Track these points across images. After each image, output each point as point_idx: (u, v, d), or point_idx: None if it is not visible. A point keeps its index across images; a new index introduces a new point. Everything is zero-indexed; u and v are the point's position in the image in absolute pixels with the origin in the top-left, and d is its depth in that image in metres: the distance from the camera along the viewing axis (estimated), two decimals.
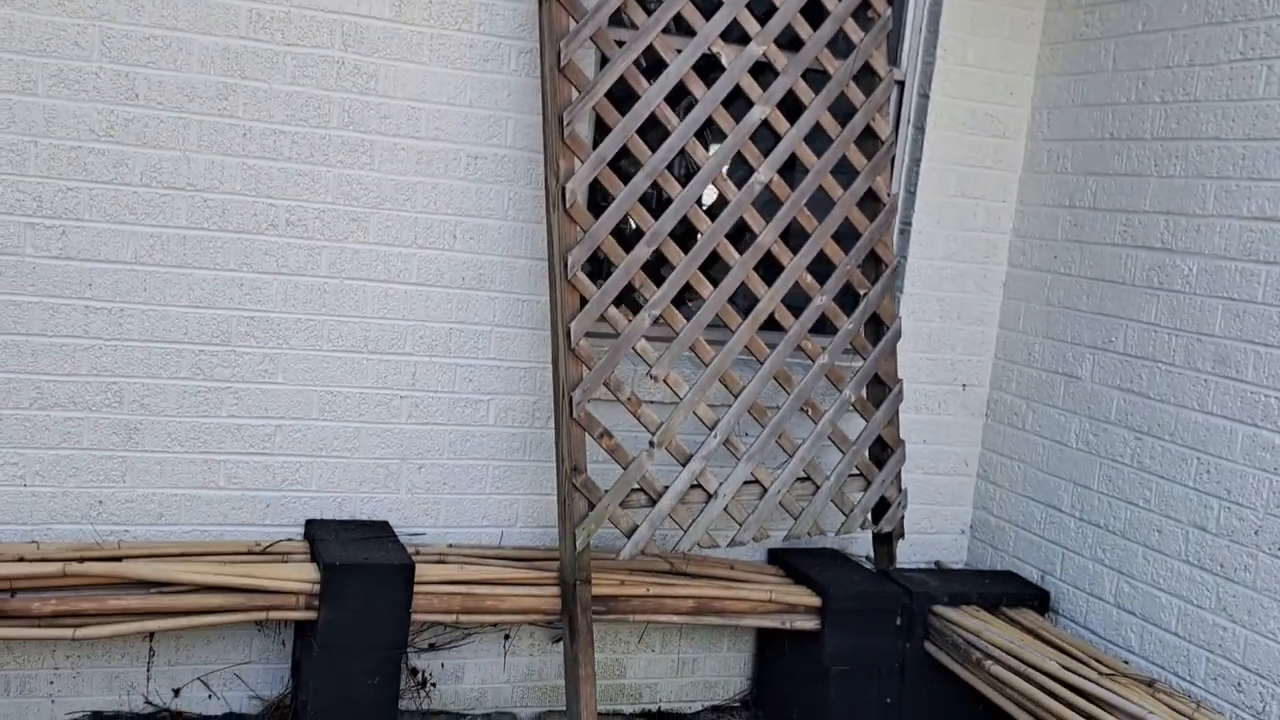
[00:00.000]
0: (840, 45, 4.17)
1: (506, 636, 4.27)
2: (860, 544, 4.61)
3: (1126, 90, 4.14)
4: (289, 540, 3.95)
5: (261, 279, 3.85)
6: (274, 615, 3.66)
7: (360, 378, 4.01)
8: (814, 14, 4.10)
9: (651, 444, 3.88)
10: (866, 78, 4.22)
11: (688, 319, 3.94)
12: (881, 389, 4.32)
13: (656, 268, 4.07)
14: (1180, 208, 3.89)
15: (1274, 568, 3.48)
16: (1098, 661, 3.84)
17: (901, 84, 4.53)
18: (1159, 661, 3.85)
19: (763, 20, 4.02)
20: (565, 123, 3.74)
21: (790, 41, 4.09)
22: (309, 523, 3.99)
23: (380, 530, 4.00)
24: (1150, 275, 3.99)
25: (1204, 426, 3.75)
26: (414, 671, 4.14)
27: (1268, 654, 3.48)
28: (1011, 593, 4.32)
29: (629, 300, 4.02)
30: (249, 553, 3.83)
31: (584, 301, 3.80)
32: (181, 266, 3.76)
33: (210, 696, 3.97)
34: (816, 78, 4.14)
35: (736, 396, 4.02)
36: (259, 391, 3.90)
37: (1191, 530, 3.77)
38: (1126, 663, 3.92)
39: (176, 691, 3.94)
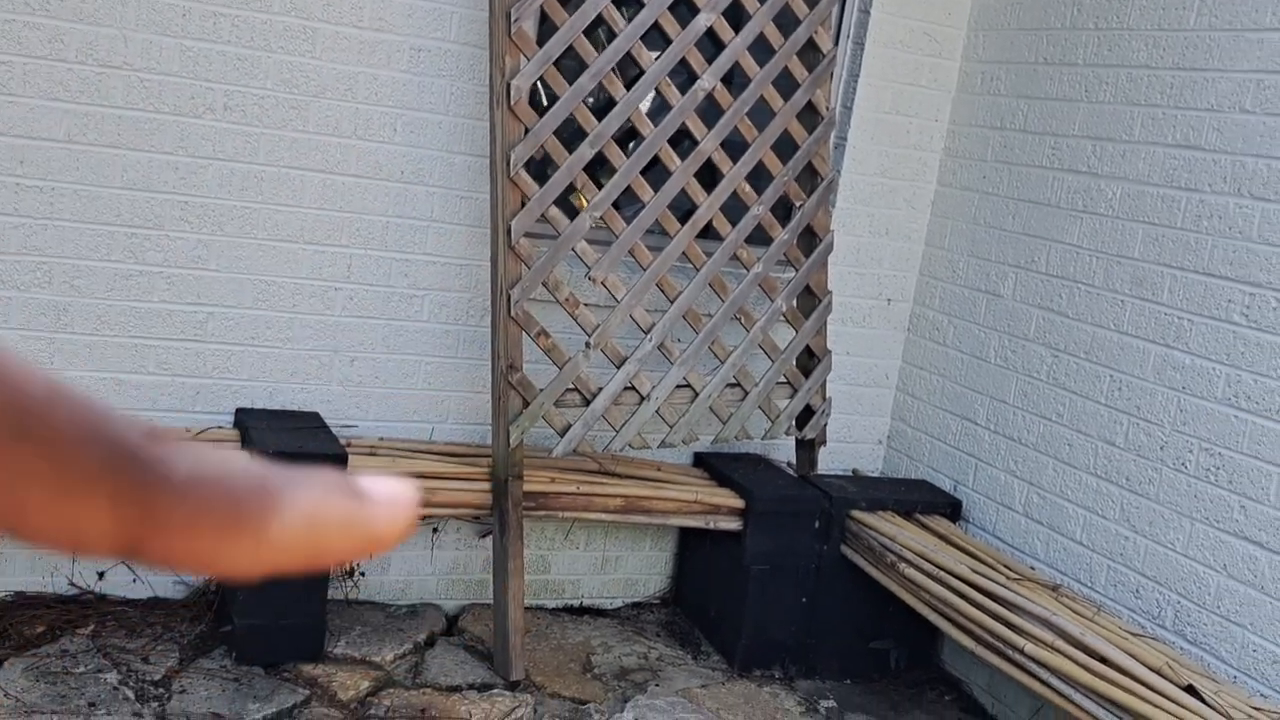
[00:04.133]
0: None
1: (435, 530, 4.33)
2: (782, 450, 4.74)
3: (1061, 15, 4.23)
4: (219, 428, 3.94)
5: (197, 163, 3.79)
6: None
7: (295, 268, 3.98)
8: None
9: (588, 345, 3.94)
10: None
11: (628, 223, 3.98)
12: (812, 300, 4.41)
13: (597, 170, 4.09)
14: (1107, 133, 4.02)
15: (1176, 481, 3.67)
16: (1005, 567, 4.03)
17: None
18: (1063, 569, 4.05)
19: None
20: (512, 19, 3.71)
21: None
22: (239, 411, 3.99)
23: (312, 421, 4.01)
24: (1075, 198, 4.12)
25: (1118, 345, 3.91)
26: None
27: (1165, 562, 3.69)
28: (925, 500, 4.50)
29: (569, 200, 4.03)
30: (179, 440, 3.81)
31: (525, 200, 3.81)
32: (115, 147, 3.68)
33: (135, 580, 3.98)
34: None
35: (672, 302, 4.08)
36: (192, 278, 3.86)
37: (1101, 445, 3.95)
38: (1033, 569, 4.12)
39: (101, 575, 3.94)
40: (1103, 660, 3.35)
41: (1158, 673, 3.27)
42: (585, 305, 3.98)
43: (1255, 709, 3.15)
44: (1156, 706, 3.13)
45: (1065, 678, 3.37)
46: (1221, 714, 3.07)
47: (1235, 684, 3.39)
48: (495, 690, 3.83)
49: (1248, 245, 3.51)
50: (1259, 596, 3.38)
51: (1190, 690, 3.19)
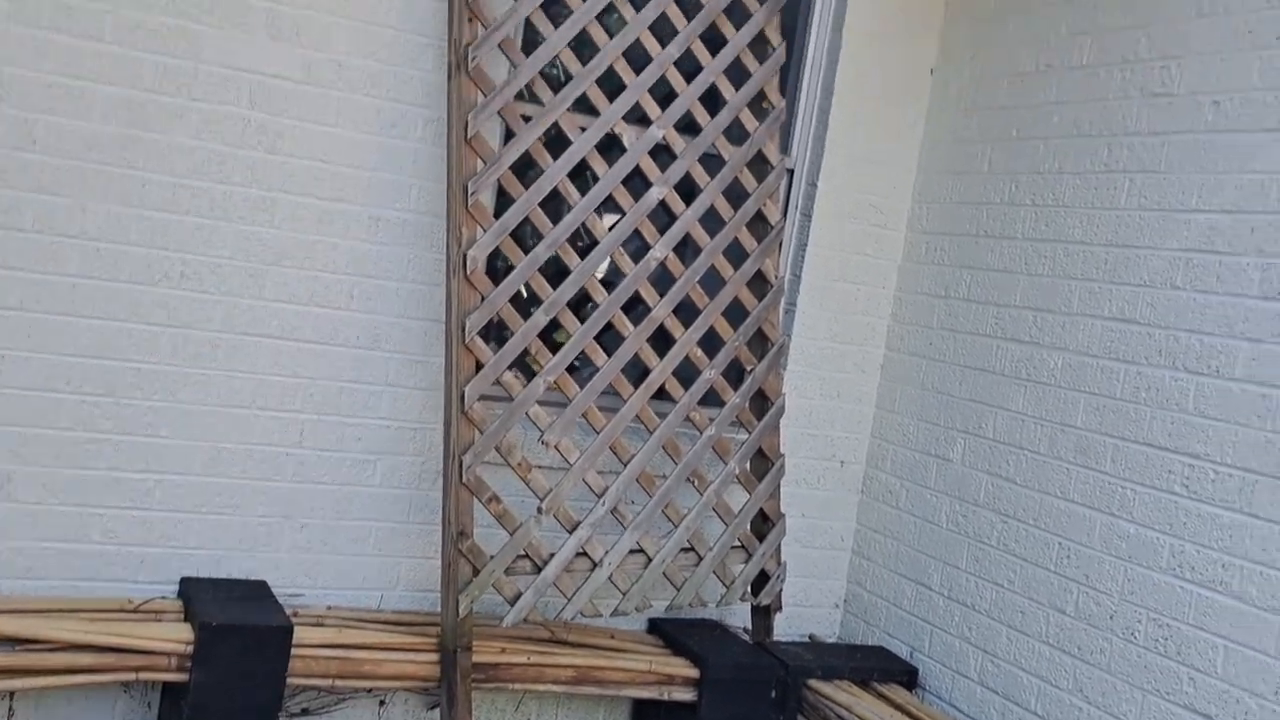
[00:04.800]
0: (736, 133, 4.34)
1: (381, 703, 4.22)
2: (738, 615, 4.70)
3: (1000, 191, 4.39)
4: (163, 598, 3.86)
5: (152, 330, 3.80)
6: (144, 676, 3.57)
7: (247, 434, 3.97)
8: (712, 102, 4.27)
9: (540, 510, 3.92)
10: (759, 165, 4.39)
11: (581, 387, 4.02)
12: (765, 463, 4.44)
13: (553, 335, 4.14)
14: (1047, 305, 4.13)
15: (1127, 652, 3.68)
16: None
17: (792, 172, 4.72)
18: None
19: (664, 105, 4.16)
20: (470, 192, 3.81)
21: (689, 126, 4.24)
22: (185, 580, 3.91)
23: (258, 590, 3.94)
24: (1019, 367, 4.22)
25: (1065, 513, 3.96)
26: None
27: None
28: (882, 668, 4.46)
29: (525, 366, 4.07)
30: (121, 610, 3.73)
31: (479, 366, 3.85)
32: (68, 315, 3.69)
33: None
34: (712, 162, 4.29)
35: (626, 465, 4.09)
36: (141, 444, 3.83)
37: (1052, 612, 3.96)
38: None
39: None
40: None
41: None
42: (538, 469, 3.98)
43: None
44: None
45: None
46: None
47: None
48: None
49: (1185, 417, 3.59)
50: None
51: None
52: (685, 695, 4.22)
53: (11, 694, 3.69)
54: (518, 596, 3.89)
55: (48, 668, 3.44)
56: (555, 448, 3.97)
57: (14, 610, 3.55)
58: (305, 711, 4.08)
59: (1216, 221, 3.59)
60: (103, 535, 3.81)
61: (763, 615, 4.52)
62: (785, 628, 4.76)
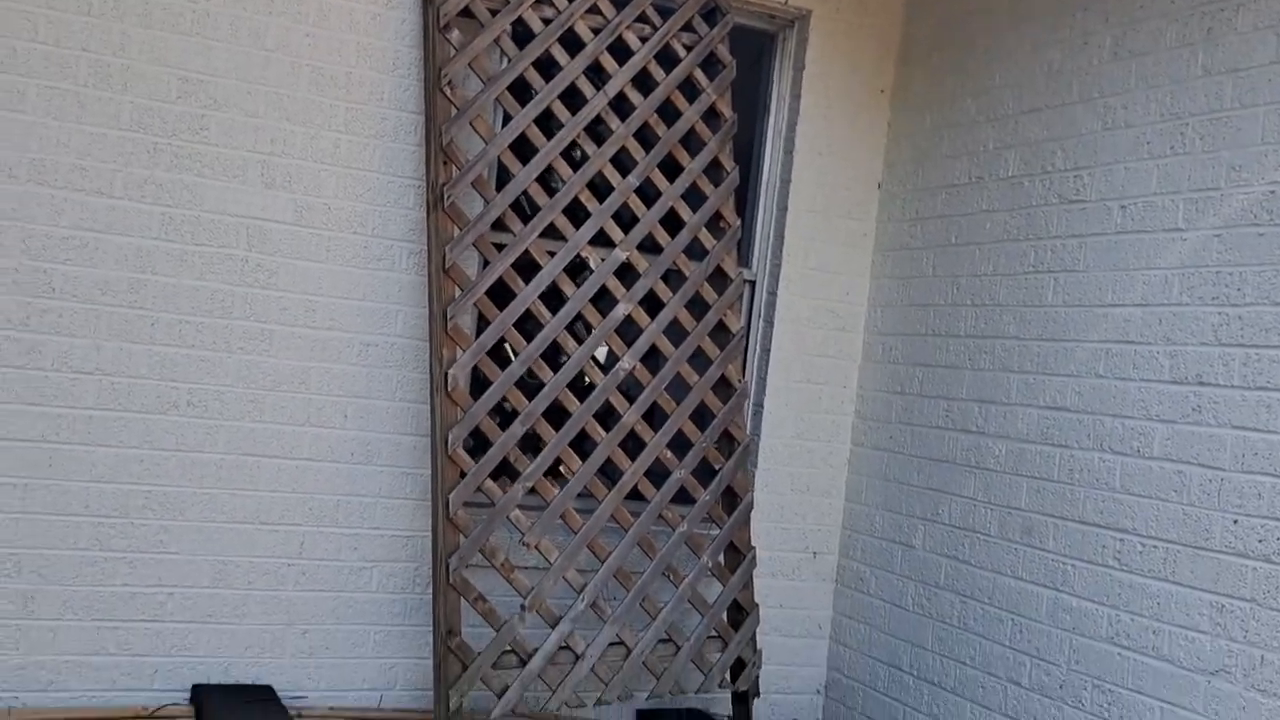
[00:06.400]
0: (695, 250, 4.71)
1: None
2: (721, 704, 4.92)
3: (944, 293, 4.74)
4: (175, 705, 4.14)
5: (161, 455, 4.14)
6: None
7: (251, 547, 4.28)
8: (672, 224, 4.65)
9: (523, 607, 4.21)
10: (719, 279, 4.76)
11: (559, 490, 4.33)
12: (737, 556, 4.72)
13: (531, 443, 4.46)
14: (990, 396, 4.45)
15: (1077, 719, 3.91)
16: None
17: (753, 283, 5.09)
18: None
19: (626, 228, 4.54)
20: (449, 316, 4.17)
21: (651, 247, 4.61)
22: (196, 687, 4.19)
23: (264, 694, 4.21)
24: (968, 455, 4.51)
25: (1016, 591, 4.22)
26: None
27: None
28: None
29: (505, 472, 4.39)
30: (137, 717, 4.01)
31: (463, 474, 4.17)
32: (85, 444, 4.04)
33: None
34: (674, 278, 4.66)
35: (603, 562, 4.38)
36: (153, 561, 4.15)
37: (1009, 685, 4.19)
38: None
39: None
40: None
41: None
42: (520, 569, 4.27)
43: None
44: None
45: None
46: None
47: None
48: None
49: (1113, 495, 3.88)
50: None
51: None
52: None
53: None
54: (505, 690, 4.15)
55: None
56: (536, 548, 4.27)
57: None
58: None
59: (1130, 314, 3.92)
60: (118, 647, 4.10)
61: (742, 701, 4.75)
62: (769, 714, 4.99)
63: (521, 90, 4.44)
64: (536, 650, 4.23)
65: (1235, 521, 3.48)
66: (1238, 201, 3.60)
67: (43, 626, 4.01)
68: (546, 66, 4.46)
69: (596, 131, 4.52)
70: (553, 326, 4.37)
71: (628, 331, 4.56)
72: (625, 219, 4.56)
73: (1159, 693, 3.63)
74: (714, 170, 4.78)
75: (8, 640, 3.97)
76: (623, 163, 4.55)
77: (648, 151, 4.60)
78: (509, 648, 4.18)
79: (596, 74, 4.52)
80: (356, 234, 4.36)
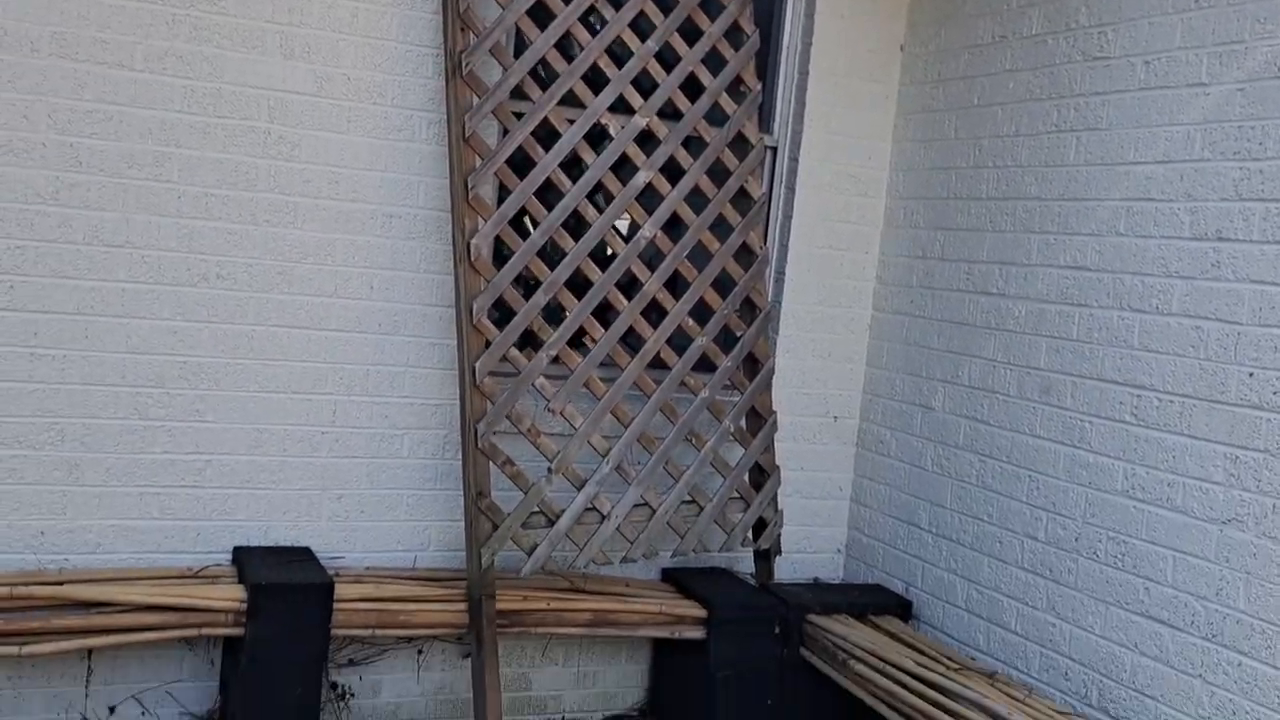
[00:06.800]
0: (716, 116, 4.69)
1: (420, 652, 4.65)
2: (746, 563, 5.07)
3: (966, 156, 4.72)
4: (218, 565, 4.31)
5: (193, 327, 4.24)
6: (205, 632, 4.01)
7: (285, 416, 4.39)
8: (692, 89, 4.63)
9: (550, 471, 4.32)
10: (740, 144, 4.75)
11: (582, 358, 4.41)
12: (758, 420, 4.81)
13: (554, 313, 4.53)
14: (1011, 258, 4.46)
15: (1091, 570, 4.01)
16: (948, 659, 4.33)
17: (774, 149, 5.07)
18: (1002, 657, 4.36)
19: (646, 94, 4.53)
20: (470, 187, 4.20)
21: (671, 113, 4.60)
22: (236, 549, 4.36)
23: (303, 555, 4.37)
24: (988, 317, 4.55)
25: (1034, 448, 4.29)
26: (334, 685, 4.50)
27: (1088, 645, 4.00)
28: (878, 603, 4.82)
29: (529, 342, 4.47)
30: (181, 576, 4.18)
31: (488, 343, 4.25)
32: (120, 316, 4.14)
33: (144, 714, 4.29)
34: (695, 145, 4.66)
35: (627, 427, 4.48)
36: (191, 429, 4.27)
37: (1026, 540, 4.30)
38: (973, 659, 4.42)
39: (112, 709, 4.26)
40: None
41: None
42: (546, 435, 4.38)
43: None
44: None
45: None
46: None
47: None
48: None
49: (1131, 352, 3.92)
50: (1166, 670, 3.69)
51: None
52: (695, 634, 4.61)
53: (89, 653, 4.15)
54: (534, 548, 4.29)
55: (119, 626, 3.89)
56: (561, 414, 4.37)
57: (87, 579, 4.01)
58: (351, 662, 4.51)
59: (1152, 172, 3.91)
60: (160, 511, 4.26)
61: (764, 559, 4.89)
62: (791, 572, 5.13)
63: None
64: (564, 511, 4.36)
65: (1251, 374, 3.52)
66: (1261, 54, 3.56)
67: (88, 493, 4.16)
68: None
69: None
70: (573, 195, 4.39)
71: (648, 200, 4.58)
72: (645, 85, 4.55)
73: (1172, 542, 3.72)
74: (734, 34, 4.73)
75: (55, 505, 4.12)
76: (641, 27, 4.51)
77: (666, 15, 4.56)
78: (537, 509, 4.31)
79: None
80: (376, 104, 4.37)
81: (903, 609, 4.80)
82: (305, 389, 4.41)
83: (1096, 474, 4.02)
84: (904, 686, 4.15)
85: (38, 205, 3.99)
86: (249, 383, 4.33)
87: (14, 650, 3.77)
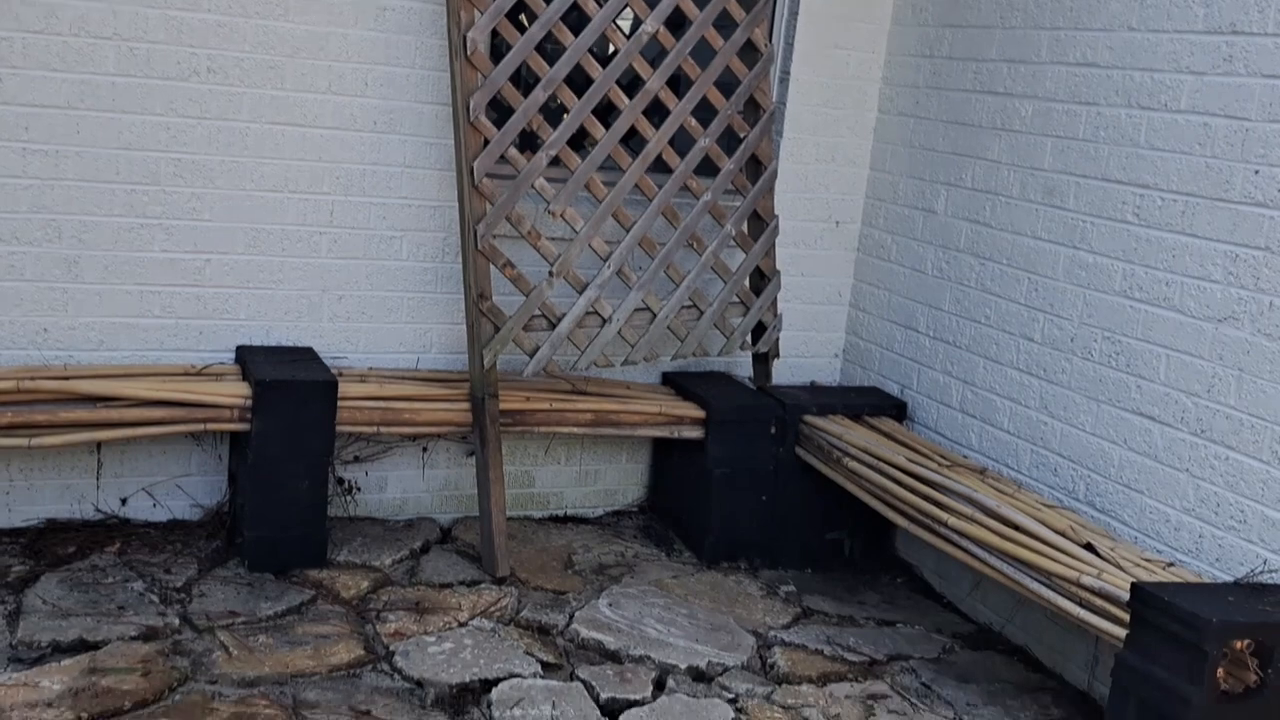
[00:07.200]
0: None
1: (425, 450, 4.74)
2: (745, 367, 5.12)
3: None
4: (222, 364, 4.36)
5: (186, 123, 4.17)
6: (211, 427, 4.09)
7: (282, 215, 4.37)
8: None
9: (551, 274, 4.32)
10: None
11: (583, 159, 4.35)
12: (760, 224, 4.79)
13: (554, 113, 4.45)
14: (1020, 55, 4.36)
15: (1085, 369, 4.06)
16: (940, 456, 4.42)
17: None
18: (994, 456, 4.45)
19: None
20: None
21: None
22: (240, 348, 4.39)
23: (306, 355, 4.41)
24: (994, 117, 4.47)
25: (1034, 250, 4.28)
26: (341, 481, 4.61)
27: (1078, 442, 4.08)
28: (873, 404, 4.89)
29: (529, 142, 4.40)
30: (185, 374, 4.23)
31: (486, 142, 4.18)
32: (111, 111, 4.07)
33: (155, 505, 4.41)
34: None
35: (628, 231, 4.46)
36: (188, 228, 4.26)
37: (1022, 341, 4.33)
38: (966, 458, 4.51)
39: (124, 501, 4.37)
40: (1014, 527, 3.75)
41: (1061, 534, 3.67)
42: (547, 238, 4.36)
43: (1145, 560, 3.55)
44: (1057, 561, 3.53)
45: (981, 544, 3.78)
46: (1113, 564, 3.47)
47: (1135, 543, 3.79)
48: (483, 585, 4.26)
49: (1137, 151, 3.86)
50: (1153, 465, 3.77)
51: (1088, 547, 3.59)
52: (694, 433, 4.70)
53: (99, 446, 4.24)
54: (536, 350, 4.33)
55: (128, 420, 3.95)
56: (561, 216, 4.34)
57: (93, 375, 4.06)
58: (357, 459, 4.61)
59: None
60: (162, 310, 4.28)
61: (763, 362, 4.94)
62: (789, 376, 5.19)
63: None
64: (565, 314, 4.38)
65: (1257, 171, 3.48)
66: None
67: (89, 290, 4.17)
68: None
69: None
70: None
71: None
72: None
73: (1166, 341, 3.75)
74: None
75: (57, 303, 4.14)
76: None
77: None
78: (538, 312, 4.33)
79: None
80: None
81: (898, 410, 4.88)
82: (302, 188, 4.37)
83: (1095, 274, 4.02)
84: (896, 482, 4.25)
85: None
86: (245, 181, 4.29)
87: (23, 442, 3.84)
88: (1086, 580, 3.40)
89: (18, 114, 3.95)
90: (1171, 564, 3.57)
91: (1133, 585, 3.20)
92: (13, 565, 3.97)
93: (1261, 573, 3.38)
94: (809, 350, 5.29)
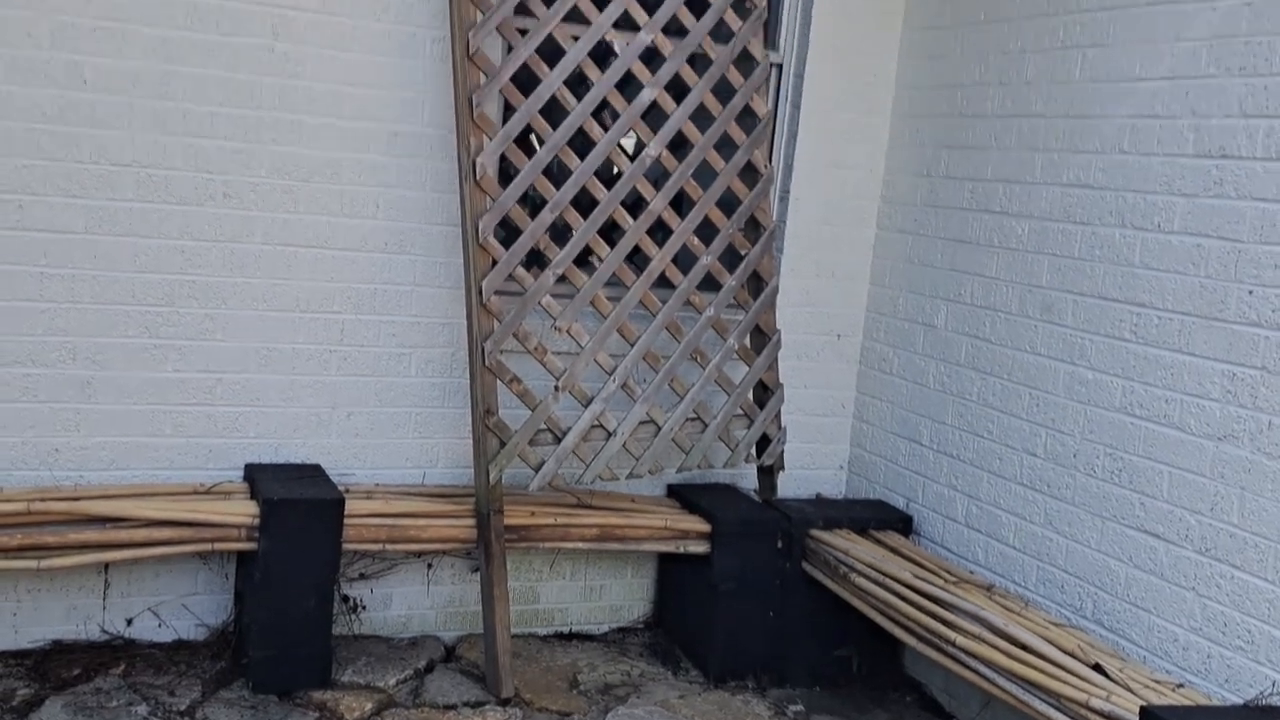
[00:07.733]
0: (721, 33, 4.67)
1: (430, 566, 4.75)
2: (750, 479, 5.14)
3: (971, 73, 4.70)
4: (230, 482, 4.38)
5: (201, 246, 4.26)
6: (219, 546, 4.10)
7: (293, 334, 4.44)
8: (697, 4, 4.60)
9: (556, 388, 4.38)
10: (745, 61, 4.73)
11: (589, 277, 4.44)
12: (762, 338, 4.85)
13: (561, 232, 4.55)
14: (1015, 176, 4.47)
15: (1088, 485, 4.08)
16: (946, 572, 4.42)
17: (780, 66, 5.05)
18: (1000, 571, 4.45)
19: (651, 10, 4.50)
20: (474, 104, 4.20)
21: (676, 29, 4.57)
22: (248, 466, 4.43)
23: (313, 472, 4.45)
24: (991, 235, 4.57)
25: (1034, 366, 4.34)
26: (346, 599, 4.61)
27: (1084, 559, 4.08)
28: (879, 518, 4.90)
29: (536, 261, 4.49)
30: (194, 493, 4.26)
31: (494, 262, 4.27)
32: (128, 235, 4.16)
33: (160, 625, 4.40)
34: (700, 62, 4.64)
35: (632, 345, 4.53)
36: (201, 348, 4.32)
37: (1025, 456, 4.36)
38: (972, 573, 4.51)
39: (129, 621, 4.37)
40: (1023, 647, 3.74)
41: (1070, 655, 3.66)
42: (553, 353, 4.43)
43: (1155, 681, 3.53)
44: (1065, 683, 3.51)
45: (989, 664, 3.76)
46: (1123, 686, 3.45)
47: (1144, 663, 3.77)
48: (487, 706, 4.23)
49: (1132, 270, 3.94)
50: (1159, 583, 3.78)
51: (1097, 668, 3.57)
52: (699, 548, 4.70)
53: (106, 568, 4.25)
54: (541, 464, 4.36)
55: (137, 541, 3.97)
56: (567, 332, 4.41)
57: (102, 495, 4.09)
58: (363, 576, 4.62)
59: (1157, 88, 3.89)
60: (173, 429, 4.32)
61: (768, 475, 4.96)
62: (794, 489, 5.21)
63: None
64: (570, 428, 4.42)
65: (1251, 292, 3.55)
66: None
67: (101, 411, 4.22)
68: None
69: None
70: (578, 113, 4.38)
71: (654, 118, 4.57)
72: (649, 1, 4.51)
73: (1168, 458, 3.78)
74: None
75: (69, 423, 4.18)
76: None
77: None
78: (544, 426, 4.37)
79: None
80: (379, 21, 4.35)
81: (904, 524, 4.89)
82: (314, 308, 4.45)
83: (1095, 390, 4.06)
84: (902, 598, 4.24)
85: (43, 125, 4.00)
86: (257, 301, 4.37)
87: (33, 564, 3.86)
88: (1095, 703, 3.38)
89: (36, 240, 4.05)
90: (1181, 685, 3.56)
91: (1141, 709, 3.19)
92: (18, 688, 3.96)
93: (1270, 695, 3.36)
94: (814, 462, 5.31)
